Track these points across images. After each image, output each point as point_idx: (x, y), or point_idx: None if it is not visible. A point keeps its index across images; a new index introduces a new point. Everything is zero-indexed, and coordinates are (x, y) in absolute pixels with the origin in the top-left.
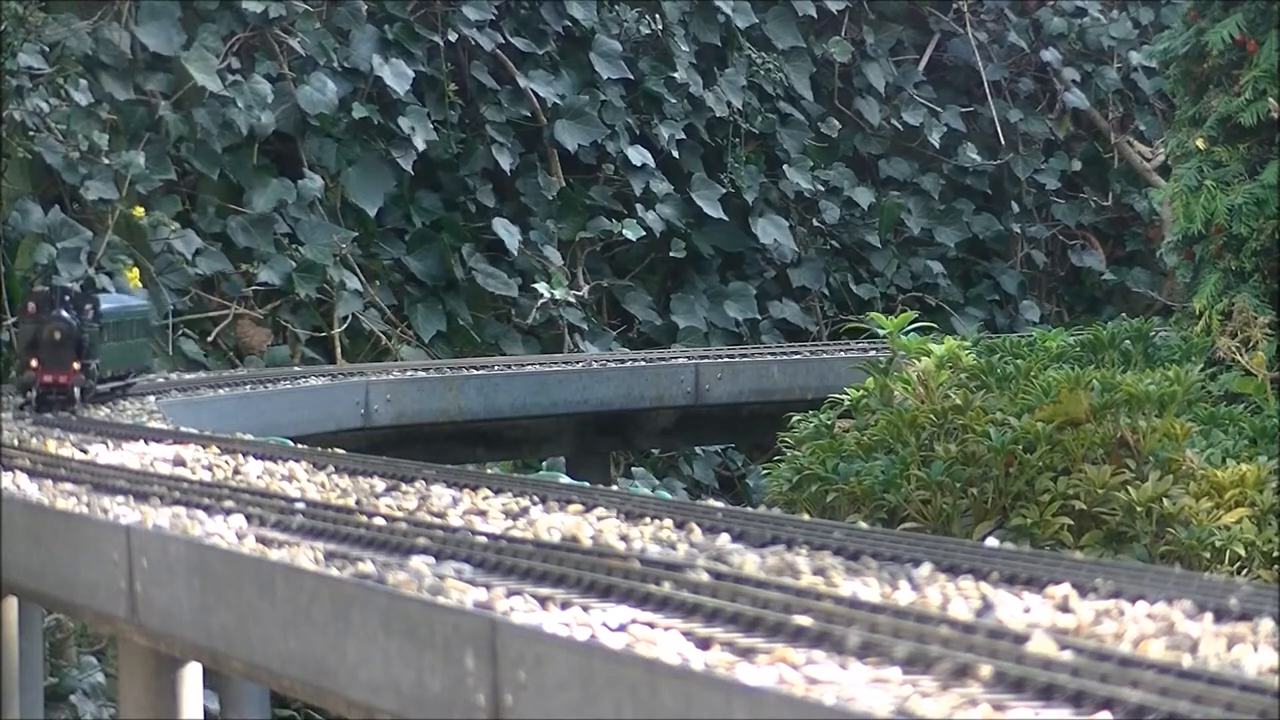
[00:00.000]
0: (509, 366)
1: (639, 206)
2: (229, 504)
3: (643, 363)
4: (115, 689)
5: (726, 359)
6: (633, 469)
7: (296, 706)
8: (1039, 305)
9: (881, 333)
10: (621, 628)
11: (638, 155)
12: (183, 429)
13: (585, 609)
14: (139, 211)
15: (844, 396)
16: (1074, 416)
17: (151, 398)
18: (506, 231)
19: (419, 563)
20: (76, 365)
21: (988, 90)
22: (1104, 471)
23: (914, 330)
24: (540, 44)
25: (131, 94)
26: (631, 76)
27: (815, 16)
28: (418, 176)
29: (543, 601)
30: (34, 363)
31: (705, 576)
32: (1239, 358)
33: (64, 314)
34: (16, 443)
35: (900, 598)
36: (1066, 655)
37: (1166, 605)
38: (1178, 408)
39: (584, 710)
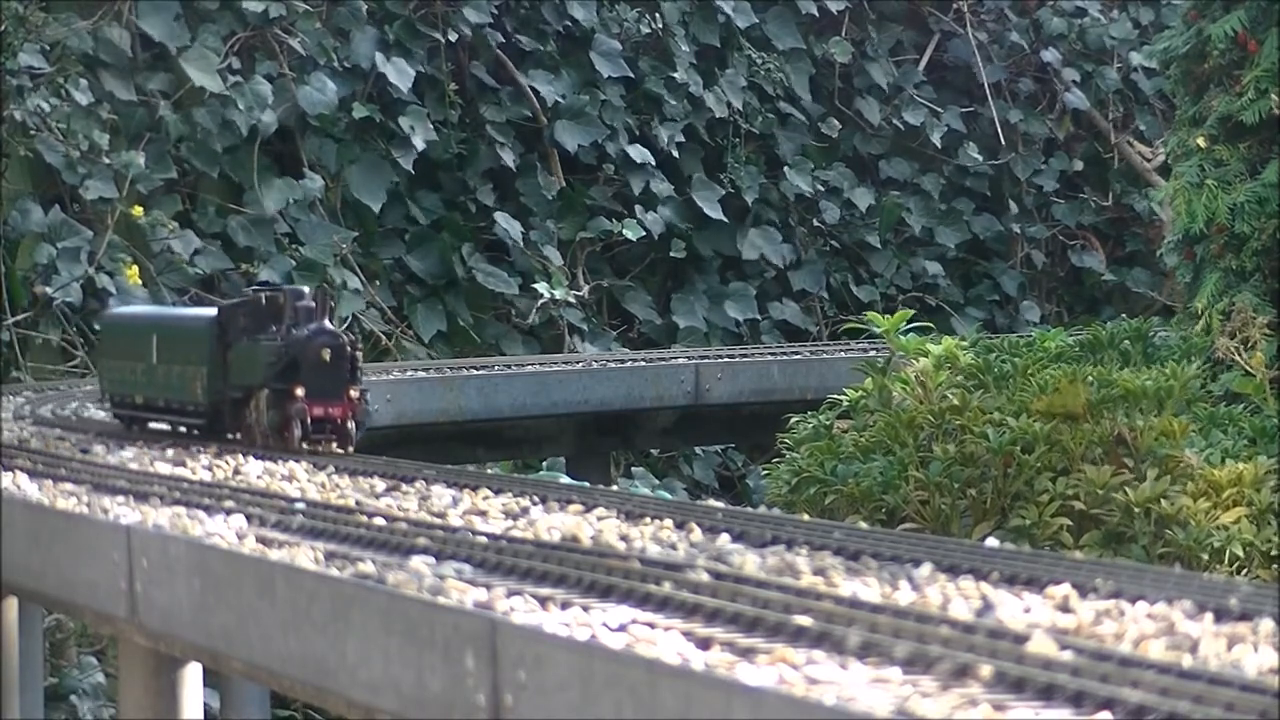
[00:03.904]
0: (509, 366)
1: (639, 207)
2: (229, 504)
3: (643, 363)
4: (115, 689)
5: (726, 359)
6: (633, 469)
7: (296, 706)
8: (1039, 305)
9: (879, 332)
10: (621, 628)
11: (638, 155)
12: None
13: (585, 609)
14: (139, 211)
15: (842, 397)
16: (1072, 409)
17: None
18: (507, 224)
19: (419, 563)
20: (355, 393)
21: (988, 90)
22: (1103, 472)
23: (912, 330)
24: (540, 44)
25: (132, 94)
26: (632, 75)
27: (816, 16)
28: (418, 176)
29: (543, 601)
30: (299, 392)
31: (705, 576)
32: (1239, 357)
33: (330, 326)
34: (17, 443)
35: (900, 598)
36: (1066, 655)
37: (1166, 605)
38: (1176, 406)
39: (584, 710)
